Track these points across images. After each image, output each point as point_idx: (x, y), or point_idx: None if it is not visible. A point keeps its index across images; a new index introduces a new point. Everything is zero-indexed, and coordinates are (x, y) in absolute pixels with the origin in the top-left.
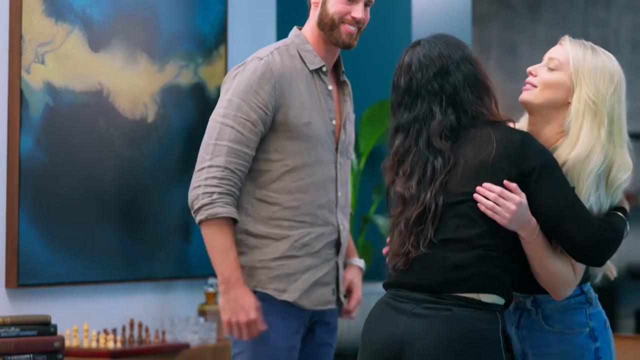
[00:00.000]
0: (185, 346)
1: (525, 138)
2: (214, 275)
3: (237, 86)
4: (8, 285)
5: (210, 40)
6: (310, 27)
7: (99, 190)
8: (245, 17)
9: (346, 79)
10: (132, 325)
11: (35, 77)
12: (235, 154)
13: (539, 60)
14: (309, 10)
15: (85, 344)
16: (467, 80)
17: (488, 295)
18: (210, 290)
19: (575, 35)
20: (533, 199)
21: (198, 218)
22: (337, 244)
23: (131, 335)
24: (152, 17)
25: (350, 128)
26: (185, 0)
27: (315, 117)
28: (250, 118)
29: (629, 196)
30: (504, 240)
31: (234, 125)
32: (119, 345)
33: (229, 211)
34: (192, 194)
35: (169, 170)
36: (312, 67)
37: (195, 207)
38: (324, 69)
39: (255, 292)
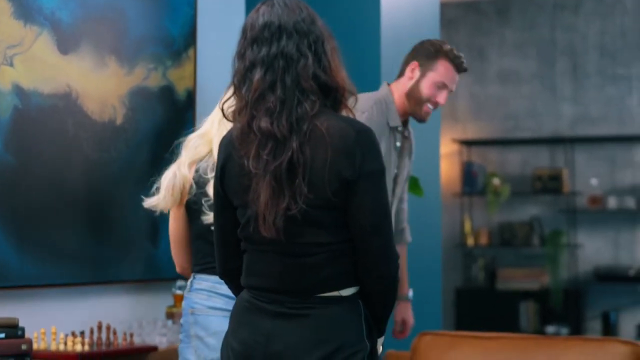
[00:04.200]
0: (153, 349)
1: (360, 135)
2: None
3: None
4: None
5: (179, 42)
6: (398, 93)
7: (67, 193)
8: (214, 19)
9: (411, 135)
10: (100, 328)
11: (3, 80)
12: None
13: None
14: (401, 75)
15: (53, 347)
16: (327, 39)
17: (347, 289)
18: (178, 292)
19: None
20: (356, 202)
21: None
22: None
23: (99, 338)
24: (121, 19)
25: (405, 177)
26: (153, 2)
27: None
28: None
29: (595, 199)
30: (346, 237)
31: None
32: (86, 347)
33: None
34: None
35: (138, 173)
36: (391, 124)
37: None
38: (399, 128)
39: None
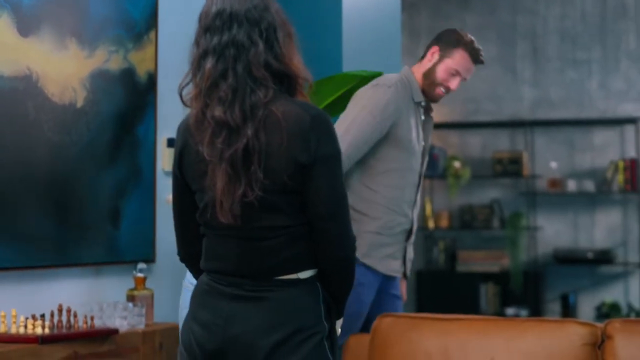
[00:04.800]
0: (114, 331)
1: (316, 120)
2: (143, 260)
3: (369, 102)
4: None
5: (141, 25)
6: (418, 73)
7: (27, 176)
8: (175, 1)
9: (432, 115)
10: (60, 310)
11: None
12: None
13: None
14: (423, 58)
15: (13, 330)
16: (281, 25)
17: (305, 271)
18: (140, 275)
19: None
20: (312, 187)
21: None
22: (409, 233)
23: (59, 321)
24: (81, 1)
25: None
26: None
27: (414, 137)
28: (372, 126)
29: (555, 182)
30: (303, 220)
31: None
32: (47, 330)
33: None
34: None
35: (99, 156)
36: (415, 100)
37: None
38: (423, 103)
39: None
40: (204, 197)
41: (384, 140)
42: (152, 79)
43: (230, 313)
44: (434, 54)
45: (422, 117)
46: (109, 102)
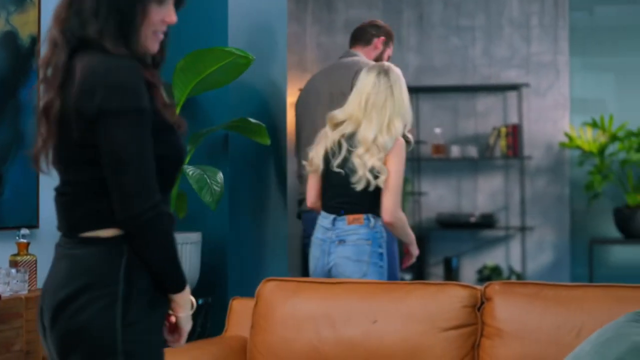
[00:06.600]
0: None
1: (107, 73)
2: (26, 225)
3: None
4: None
5: None
6: (370, 58)
7: None
8: None
9: None
10: None
11: None
12: None
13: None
14: (368, 43)
15: None
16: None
17: (106, 230)
18: (22, 241)
19: None
20: (102, 140)
21: None
22: None
23: None
24: None
25: None
26: None
27: None
28: None
29: (439, 148)
30: (102, 175)
31: None
32: None
33: None
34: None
35: None
36: None
37: None
38: None
39: None
40: None
41: None
42: (35, 43)
43: (49, 273)
44: (379, 44)
45: None
46: None
